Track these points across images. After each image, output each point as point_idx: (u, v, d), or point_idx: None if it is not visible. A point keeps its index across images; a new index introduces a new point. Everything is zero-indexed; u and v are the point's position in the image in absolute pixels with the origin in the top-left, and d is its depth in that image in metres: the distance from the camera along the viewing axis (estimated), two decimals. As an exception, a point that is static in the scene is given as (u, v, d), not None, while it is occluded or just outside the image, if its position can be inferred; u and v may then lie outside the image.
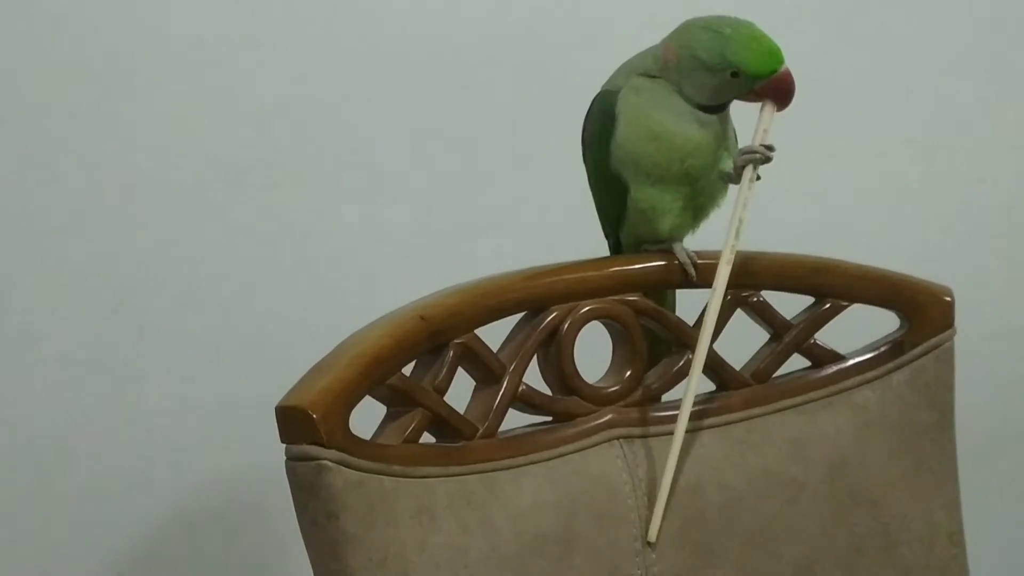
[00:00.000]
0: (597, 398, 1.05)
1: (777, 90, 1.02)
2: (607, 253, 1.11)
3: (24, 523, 1.29)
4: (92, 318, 1.30)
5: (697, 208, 1.07)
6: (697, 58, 1.01)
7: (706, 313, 1.04)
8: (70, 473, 1.30)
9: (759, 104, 1.04)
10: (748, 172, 1.04)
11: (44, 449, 1.29)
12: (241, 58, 1.33)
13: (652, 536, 1.02)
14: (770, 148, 1.03)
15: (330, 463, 0.94)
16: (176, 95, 1.32)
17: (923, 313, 1.14)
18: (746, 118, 1.05)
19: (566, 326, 1.04)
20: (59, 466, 1.29)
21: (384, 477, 0.96)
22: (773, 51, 1.01)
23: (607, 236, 1.11)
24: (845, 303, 1.12)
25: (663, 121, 1.03)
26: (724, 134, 1.05)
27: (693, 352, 1.05)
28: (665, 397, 1.08)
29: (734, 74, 1.01)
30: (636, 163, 1.05)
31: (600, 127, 1.06)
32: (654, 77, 1.04)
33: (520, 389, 1.03)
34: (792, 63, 1.02)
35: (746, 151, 1.04)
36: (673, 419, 1.06)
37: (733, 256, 1.03)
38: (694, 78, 1.02)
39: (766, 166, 1.04)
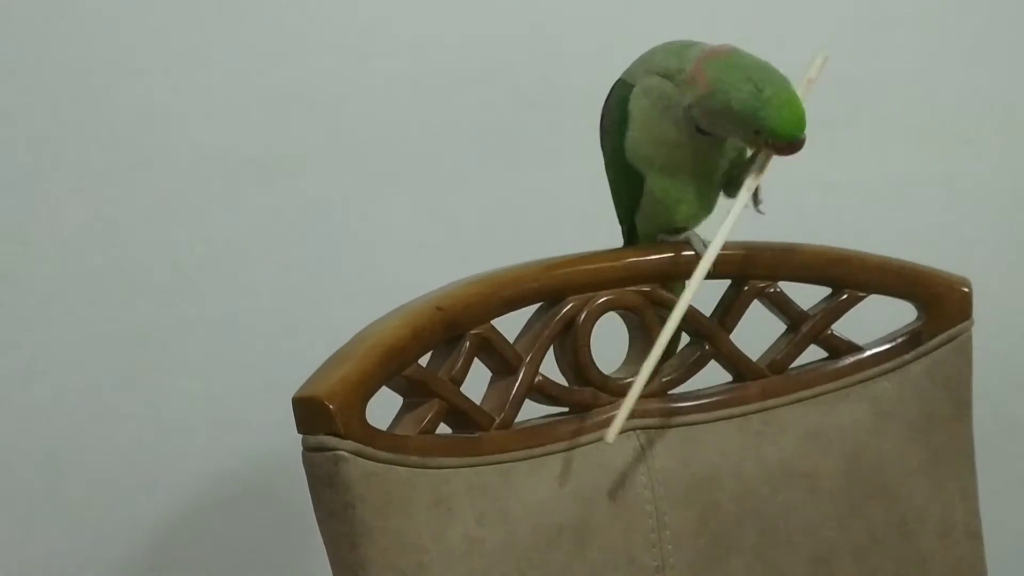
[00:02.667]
0: (613, 389, 1.05)
1: (785, 151, 1.01)
2: (622, 244, 1.11)
3: (39, 513, 1.29)
4: (108, 308, 1.30)
5: (713, 197, 1.07)
6: (728, 105, 0.99)
7: (688, 287, 1.02)
8: (85, 464, 1.30)
9: None
10: (746, 188, 1.03)
11: (59, 439, 1.29)
12: (260, 48, 1.33)
13: (609, 438, 0.99)
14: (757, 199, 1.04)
15: (347, 454, 0.94)
16: (193, 84, 1.32)
17: (940, 304, 1.14)
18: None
19: (582, 317, 1.03)
20: (74, 457, 1.30)
21: (400, 468, 0.96)
22: (801, 119, 0.99)
23: (621, 222, 1.11)
24: (862, 294, 1.12)
25: (668, 131, 1.03)
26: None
27: (707, 341, 1.05)
28: (682, 388, 1.08)
29: (756, 131, 1.00)
30: (649, 160, 1.05)
31: (617, 116, 1.06)
32: (670, 79, 1.03)
33: (536, 380, 1.02)
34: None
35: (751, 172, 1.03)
36: (691, 410, 1.06)
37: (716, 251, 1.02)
38: (715, 116, 1.00)
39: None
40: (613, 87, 1.07)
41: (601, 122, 1.09)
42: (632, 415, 1.05)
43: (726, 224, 1.03)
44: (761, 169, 1.03)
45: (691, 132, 1.02)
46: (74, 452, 1.30)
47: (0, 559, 1.29)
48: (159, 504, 1.32)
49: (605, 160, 1.09)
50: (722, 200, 1.07)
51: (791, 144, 1.00)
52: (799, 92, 1.01)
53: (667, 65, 1.03)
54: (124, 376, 1.31)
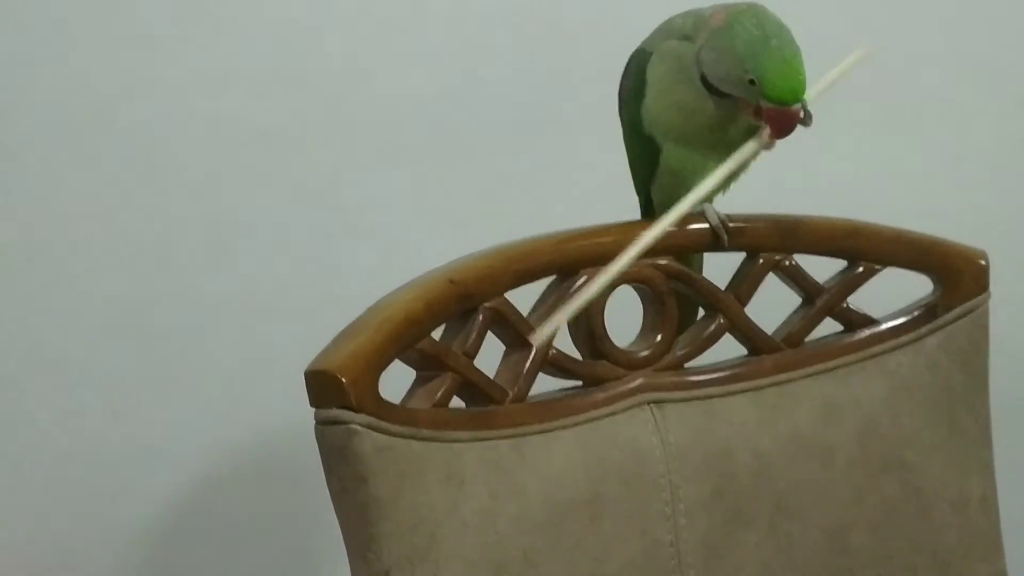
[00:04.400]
0: (627, 362, 1.05)
1: (777, 121, 1.00)
2: (638, 217, 1.11)
3: (53, 482, 1.30)
4: (122, 281, 1.30)
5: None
6: (733, 43, 0.99)
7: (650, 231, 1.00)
8: (98, 437, 1.30)
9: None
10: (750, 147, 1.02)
11: (70, 413, 1.29)
12: (269, 21, 1.33)
13: (537, 340, 0.97)
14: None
15: (359, 427, 0.94)
16: (201, 58, 1.31)
17: (957, 276, 1.13)
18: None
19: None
20: (86, 430, 1.30)
21: (414, 442, 0.96)
22: (799, 87, 0.99)
23: (638, 193, 1.10)
24: (878, 267, 1.11)
25: (686, 96, 1.03)
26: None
27: (721, 314, 1.05)
28: (696, 362, 1.08)
29: (752, 81, 0.99)
30: (665, 129, 1.05)
31: (635, 85, 1.06)
32: (689, 39, 1.03)
33: (550, 353, 1.02)
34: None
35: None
36: (705, 384, 1.06)
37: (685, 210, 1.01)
38: (719, 56, 1.00)
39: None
40: (631, 57, 1.07)
41: (619, 93, 1.09)
42: (646, 388, 1.05)
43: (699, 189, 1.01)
44: (754, 152, 1.01)
45: (705, 94, 1.02)
46: (89, 423, 1.30)
47: (14, 526, 1.29)
48: (173, 477, 1.32)
49: (623, 130, 1.09)
50: (747, 175, 1.07)
51: (784, 112, 0.99)
52: (828, 76, 1.01)
53: (685, 25, 1.04)
54: (137, 349, 1.31)
